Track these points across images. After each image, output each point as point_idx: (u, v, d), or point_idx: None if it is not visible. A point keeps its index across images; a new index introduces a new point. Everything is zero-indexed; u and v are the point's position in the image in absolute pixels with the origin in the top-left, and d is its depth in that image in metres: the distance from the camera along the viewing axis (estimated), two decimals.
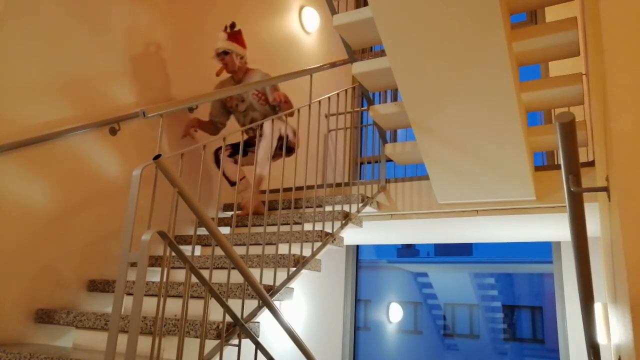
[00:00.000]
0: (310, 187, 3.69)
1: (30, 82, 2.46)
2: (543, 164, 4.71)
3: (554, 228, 3.59)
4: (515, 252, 8.23)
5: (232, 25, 3.24)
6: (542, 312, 7.98)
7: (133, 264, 2.86)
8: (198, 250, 3.18)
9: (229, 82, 3.37)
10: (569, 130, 1.17)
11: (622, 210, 1.09)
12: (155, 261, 2.87)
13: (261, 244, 2.85)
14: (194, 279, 2.66)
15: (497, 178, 2.87)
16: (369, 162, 5.27)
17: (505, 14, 2.32)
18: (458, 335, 8.32)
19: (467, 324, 8.29)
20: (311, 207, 3.29)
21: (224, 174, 3.35)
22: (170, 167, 1.69)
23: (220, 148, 3.38)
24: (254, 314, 2.23)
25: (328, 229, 2.94)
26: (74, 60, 2.69)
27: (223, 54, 3.20)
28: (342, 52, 5.31)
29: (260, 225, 3.19)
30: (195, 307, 2.38)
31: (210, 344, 2.16)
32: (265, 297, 2.07)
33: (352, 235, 4.29)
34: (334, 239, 2.84)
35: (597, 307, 3.32)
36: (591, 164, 2.95)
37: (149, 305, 2.51)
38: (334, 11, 2.93)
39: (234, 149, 3.38)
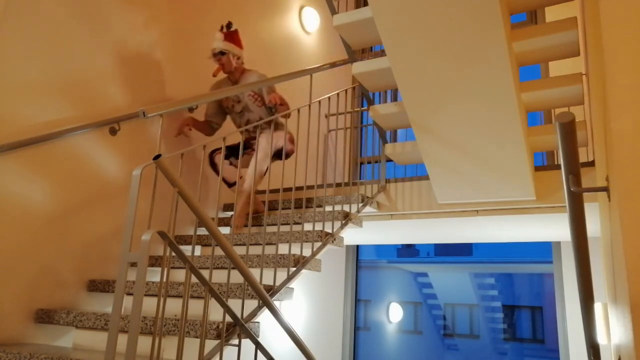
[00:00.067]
0: (310, 187, 3.69)
1: (30, 82, 2.46)
2: (543, 164, 4.71)
3: (554, 228, 3.60)
4: (515, 252, 8.23)
5: (229, 25, 3.21)
6: (542, 312, 7.98)
7: (133, 264, 2.86)
8: (198, 250, 3.18)
9: (225, 82, 3.35)
10: (569, 130, 1.17)
11: (622, 210, 1.09)
12: (155, 261, 2.87)
13: (261, 244, 2.85)
14: (194, 279, 2.66)
15: (497, 178, 2.87)
16: (369, 162, 5.27)
17: (505, 14, 2.32)
18: (458, 335, 8.32)
19: (467, 324, 8.29)
20: (311, 207, 3.29)
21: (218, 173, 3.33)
22: (170, 167, 1.69)
23: (214, 151, 3.34)
24: (254, 314, 2.23)
25: (328, 229, 2.94)
26: (74, 60, 2.69)
27: (219, 55, 3.17)
28: (342, 52, 5.31)
29: (260, 225, 3.19)
30: (195, 307, 2.38)
31: (210, 344, 2.16)
32: (265, 297, 2.07)
33: (352, 235, 4.29)
34: (334, 239, 2.84)
35: (597, 307, 3.32)
36: (591, 164, 2.95)
37: (149, 305, 2.51)
38: (334, 11, 2.93)
39: (228, 151, 3.36)
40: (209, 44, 3.64)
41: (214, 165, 3.32)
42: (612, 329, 2.03)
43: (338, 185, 3.77)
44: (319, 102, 3.16)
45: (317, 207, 3.28)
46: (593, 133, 2.67)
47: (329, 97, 3.18)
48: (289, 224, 3.09)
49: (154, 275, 3.01)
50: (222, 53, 3.17)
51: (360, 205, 3.21)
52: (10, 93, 2.37)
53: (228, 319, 2.16)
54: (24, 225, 2.39)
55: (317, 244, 2.73)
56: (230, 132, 2.47)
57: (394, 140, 5.35)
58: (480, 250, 8.93)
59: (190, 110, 3.44)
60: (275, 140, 3.20)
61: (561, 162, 1.26)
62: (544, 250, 7.54)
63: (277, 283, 2.49)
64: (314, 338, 4.66)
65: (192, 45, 3.50)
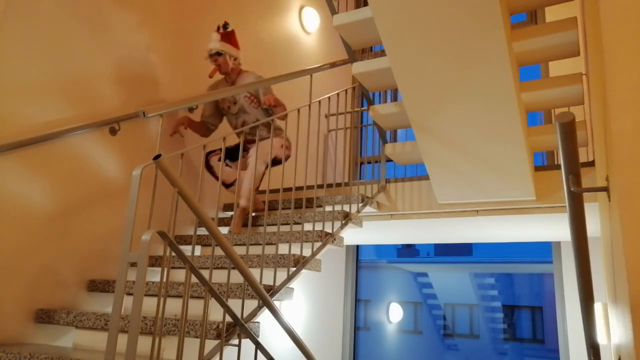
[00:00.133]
0: (310, 187, 3.69)
1: (30, 82, 2.46)
2: (543, 164, 4.71)
3: (554, 228, 3.60)
4: (515, 252, 8.23)
5: (225, 25, 3.20)
6: (542, 312, 7.98)
7: (133, 264, 2.86)
8: (198, 250, 3.18)
9: (223, 83, 3.33)
10: (569, 130, 1.17)
11: (622, 210, 1.09)
12: (155, 261, 2.87)
13: (261, 244, 2.85)
14: (194, 279, 2.66)
15: (497, 178, 2.87)
16: (369, 162, 5.27)
17: (505, 14, 2.32)
18: (458, 335, 8.32)
19: (467, 324, 8.29)
20: (311, 207, 3.29)
21: (216, 177, 3.31)
22: (170, 167, 1.69)
23: (209, 153, 3.31)
24: (254, 314, 2.23)
25: (328, 229, 2.94)
26: (74, 60, 2.69)
27: (216, 55, 3.15)
28: (342, 52, 5.31)
29: (260, 225, 3.19)
30: (195, 307, 2.38)
31: (210, 344, 2.16)
32: (265, 297, 2.07)
33: (352, 235, 4.29)
34: (334, 239, 2.84)
35: (597, 307, 3.32)
36: (591, 164, 2.95)
37: (149, 305, 2.51)
38: (334, 11, 2.93)
39: (225, 155, 3.33)
40: (206, 45, 3.64)
41: (209, 168, 3.30)
42: (612, 329, 2.03)
43: (338, 185, 3.77)
44: (319, 102, 3.16)
45: (317, 207, 3.28)
46: (593, 133, 2.67)
47: (329, 97, 3.18)
48: (289, 224, 3.08)
49: (154, 275, 3.01)
50: (218, 54, 3.15)
51: (360, 205, 3.21)
52: (10, 93, 2.37)
53: (228, 319, 2.16)
54: (24, 225, 2.39)
55: (317, 244, 2.73)
56: (229, 133, 2.47)
57: (394, 140, 5.35)
58: (480, 250, 8.93)
59: (190, 110, 3.43)
60: (266, 152, 3.16)
61: (561, 162, 1.26)
62: (544, 250, 7.54)
63: (277, 283, 2.49)
64: (314, 338, 4.66)
65: (192, 46, 3.50)
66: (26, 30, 2.46)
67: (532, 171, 2.88)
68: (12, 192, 2.35)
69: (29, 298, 2.40)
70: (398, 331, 8.29)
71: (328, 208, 3.27)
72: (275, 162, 3.23)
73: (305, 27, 4.87)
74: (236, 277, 2.65)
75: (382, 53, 4.99)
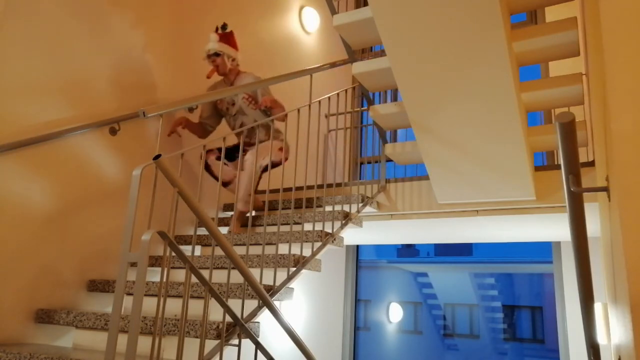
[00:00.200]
0: (310, 187, 3.69)
1: (30, 82, 2.47)
2: (543, 164, 4.71)
3: (554, 228, 3.60)
4: (515, 252, 8.23)
5: (224, 26, 3.19)
6: (542, 312, 7.98)
7: (133, 264, 2.86)
8: (198, 250, 3.18)
9: (221, 84, 3.32)
10: (569, 130, 1.17)
11: (622, 210, 1.09)
12: (155, 261, 2.87)
13: (261, 244, 2.85)
14: (194, 279, 2.66)
15: (497, 178, 2.87)
16: (369, 162, 5.27)
17: (505, 14, 2.32)
18: (458, 335, 8.32)
19: (467, 324, 8.29)
20: (311, 207, 3.29)
21: (212, 175, 3.31)
22: (170, 167, 1.69)
23: (207, 152, 3.31)
24: (254, 314, 2.23)
25: (328, 229, 2.94)
26: (74, 60, 2.69)
27: (214, 56, 3.15)
28: (342, 52, 5.31)
29: (260, 225, 3.19)
30: (195, 307, 2.38)
31: (210, 344, 2.16)
32: (265, 297, 2.07)
33: (352, 235, 4.29)
34: (334, 239, 2.84)
35: (597, 307, 3.32)
36: (591, 164, 2.95)
37: (149, 305, 2.51)
38: (334, 11, 2.93)
39: (221, 152, 3.32)
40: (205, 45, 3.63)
41: (206, 167, 3.29)
42: (612, 329, 2.03)
43: (338, 185, 3.77)
44: (319, 102, 3.16)
45: (317, 207, 3.28)
46: (593, 133, 2.67)
47: (329, 97, 3.18)
48: (289, 224, 3.09)
49: (154, 275, 3.01)
50: (216, 54, 3.15)
51: (360, 205, 3.21)
52: (10, 93, 2.37)
53: (228, 319, 2.16)
54: (24, 225, 2.39)
55: (317, 244, 2.73)
56: (229, 133, 2.47)
57: (394, 140, 5.35)
58: (480, 250, 8.93)
59: (190, 110, 3.43)
60: (262, 156, 3.16)
61: (561, 162, 1.26)
62: (544, 250, 7.54)
63: (277, 283, 2.49)
64: (314, 338, 4.66)
65: (192, 46, 3.50)
66: (26, 30, 2.46)
67: (532, 171, 2.88)
68: (12, 192, 2.35)
69: (29, 298, 2.40)
70: (398, 331, 8.29)
71: (328, 208, 3.27)
72: (273, 165, 3.23)
73: (305, 27, 4.87)
74: (236, 277, 2.65)
75: (382, 53, 4.99)
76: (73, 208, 2.64)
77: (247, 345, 3.59)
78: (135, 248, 2.78)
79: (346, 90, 3.49)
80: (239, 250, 2.92)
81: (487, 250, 8.82)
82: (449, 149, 2.79)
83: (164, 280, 2.31)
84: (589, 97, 3.31)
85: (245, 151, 3.31)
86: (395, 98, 4.97)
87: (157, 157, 1.64)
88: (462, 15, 2.21)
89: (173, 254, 2.85)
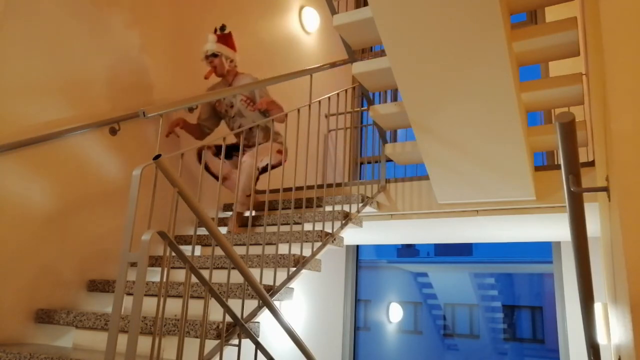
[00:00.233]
0: (310, 187, 3.69)
1: (30, 82, 2.47)
2: (543, 164, 4.71)
3: (554, 228, 3.60)
4: (515, 252, 8.23)
5: (222, 27, 3.19)
6: (542, 312, 7.98)
7: (133, 264, 2.86)
8: (198, 250, 3.18)
9: (221, 86, 3.32)
10: (569, 130, 1.17)
11: (622, 210, 1.09)
12: (155, 261, 2.87)
13: (261, 244, 2.85)
14: (194, 279, 2.66)
15: (497, 178, 2.87)
16: (369, 162, 5.27)
17: (505, 14, 2.32)
18: (458, 335, 8.32)
19: (467, 324, 8.29)
20: (311, 207, 3.29)
21: (208, 171, 3.30)
22: (170, 167, 1.69)
23: (202, 147, 3.30)
24: (254, 314, 2.23)
25: (328, 229, 2.94)
26: (74, 60, 2.69)
27: (212, 57, 3.14)
28: (342, 52, 5.31)
29: (260, 225, 3.19)
30: (195, 307, 2.38)
31: (210, 344, 2.16)
32: (265, 297, 2.07)
33: (352, 235, 4.29)
34: (334, 239, 2.84)
35: (597, 307, 3.32)
36: (591, 164, 2.95)
37: (149, 305, 2.51)
38: (334, 11, 2.93)
39: (217, 148, 3.32)
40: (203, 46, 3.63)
41: (207, 168, 3.29)
42: (612, 329, 2.03)
43: (338, 185, 3.77)
44: (319, 102, 3.16)
45: (317, 207, 3.28)
46: (593, 133, 2.67)
47: (329, 97, 3.18)
48: (289, 224, 3.09)
49: (154, 275, 3.01)
50: (214, 55, 3.14)
51: (360, 205, 3.21)
52: (10, 93, 2.37)
53: (228, 319, 2.16)
54: (24, 225, 2.39)
55: (317, 244, 2.73)
56: (228, 133, 2.47)
57: (394, 140, 5.35)
58: (480, 250, 8.93)
59: (190, 110, 3.43)
60: (261, 157, 3.15)
61: (561, 162, 1.26)
62: (544, 250, 7.54)
63: (277, 283, 2.49)
64: (314, 338, 4.66)
65: (192, 46, 3.50)
66: (26, 30, 2.46)
67: (532, 171, 2.88)
68: (12, 192, 2.35)
69: (29, 298, 2.40)
70: (398, 331, 8.29)
71: (328, 208, 3.27)
72: (272, 167, 3.23)
73: (305, 27, 4.87)
74: (236, 277, 2.65)
75: (382, 53, 4.99)
76: (73, 208, 2.64)
77: (247, 345, 3.59)
78: (135, 248, 2.78)
79: (346, 90, 3.49)
80: (239, 250, 2.92)
81: (487, 250, 8.82)
82: (449, 149, 2.79)
83: (164, 280, 2.31)
84: (589, 97, 3.31)
85: (243, 152, 3.30)
86: (395, 98, 4.97)
87: (157, 157, 1.64)
88: (462, 15, 2.21)
89: (173, 254, 2.85)
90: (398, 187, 3.42)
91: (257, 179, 3.20)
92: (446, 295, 8.52)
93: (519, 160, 2.72)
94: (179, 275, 2.83)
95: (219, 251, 2.88)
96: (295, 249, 2.85)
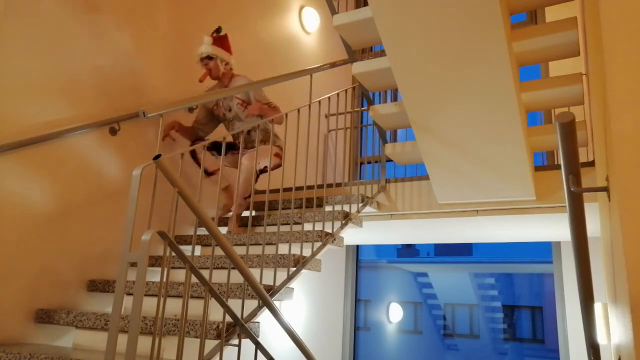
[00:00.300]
0: (310, 187, 3.69)
1: (30, 82, 2.47)
2: (543, 164, 4.71)
3: (554, 228, 3.60)
4: (515, 252, 8.23)
5: (218, 29, 3.18)
6: (542, 312, 7.98)
7: (133, 264, 2.86)
8: (198, 250, 3.18)
9: (216, 88, 3.31)
10: (569, 130, 1.17)
11: (622, 210, 1.09)
12: (155, 261, 2.87)
13: (261, 244, 2.85)
14: (194, 279, 2.66)
15: (497, 178, 2.87)
16: (369, 162, 5.27)
17: (505, 14, 2.32)
18: (458, 335, 8.32)
19: (467, 324, 8.29)
20: (311, 207, 3.29)
21: (195, 159, 3.29)
22: (170, 167, 1.70)
23: (195, 140, 3.28)
24: (254, 314, 2.23)
25: (328, 229, 2.94)
26: (74, 61, 2.69)
27: (207, 59, 3.12)
28: (342, 52, 5.31)
29: (260, 225, 3.19)
30: (195, 307, 2.38)
31: (210, 344, 2.16)
32: (265, 297, 2.07)
33: (352, 235, 4.29)
34: (334, 239, 2.84)
35: (597, 307, 3.32)
36: (591, 164, 2.95)
37: (149, 305, 2.51)
38: (334, 11, 2.93)
39: (212, 144, 3.28)
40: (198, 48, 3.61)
41: (194, 156, 3.27)
42: (612, 329, 2.03)
43: (338, 185, 3.77)
44: (319, 102, 3.16)
45: (317, 207, 3.28)
46: (593, 133, 2.67)
47: (329, 97, 3.18)
48: (289, 224, 3.09)
49: (154, 275, 3.01)
50: (209, 57, 3.12)
51: (360, 205, 3.21)
52: (10, 93, 2.37)
53: (228, 319, 2.16)
54: (24, 225, 2.39)
55: (317, 244, 2.73)
56: (228, 133, 2.47)
57: (394, 140, 5.35)
58: (480, 250, 8.93)
59: (190, 110, 3.43)
60: (259, 159, 3.15)
61: (561, 162, 1.26)
62: (544, 250, 7.53)
63: (277, 283, 2.49)
64: (314, 338, 4.66)
65: (192, 46, 3.50)
66: (26, 30, 2.46)
67: (532, 171, 2.88)
68: (12, 192, 2.35)
69: (29, 298, 2.40)
70: (398, 331, 8.29)
71: (328, 208, 3.27)
72: (264, 170, 3.22)
73: (305, 27, 4.87)
74: (236, 277, 2.65)
75: (382, 53, 4.99)
76: (73, 208, 2.64)
77: (247, 345, 3.59)
78: (135, 248, 2.78)
79: (346, 90, 3.49)
80: (239, 250, 2.92)
81: (487, 250, 8.81)
82: (449, 149, 2.79)
83: (164, 280, 2.31)
84: (589, 97, 3.31)
85: (242, 154, 3.30)
86: (395, 98, 4.97)
87: (157, 157, 1.64)
88: (462, 15, 2.21)
89: (173, 254, 2.85)
90: (398, 187, 3.42)
91: (256, 180, 3.20)
92: (446, 295, 8.52)
93: (519, 160, 2.72)
94: (179, 275, 2.83)
95: (219, 251, 2.88)
96: (295, 249, 2.85)
